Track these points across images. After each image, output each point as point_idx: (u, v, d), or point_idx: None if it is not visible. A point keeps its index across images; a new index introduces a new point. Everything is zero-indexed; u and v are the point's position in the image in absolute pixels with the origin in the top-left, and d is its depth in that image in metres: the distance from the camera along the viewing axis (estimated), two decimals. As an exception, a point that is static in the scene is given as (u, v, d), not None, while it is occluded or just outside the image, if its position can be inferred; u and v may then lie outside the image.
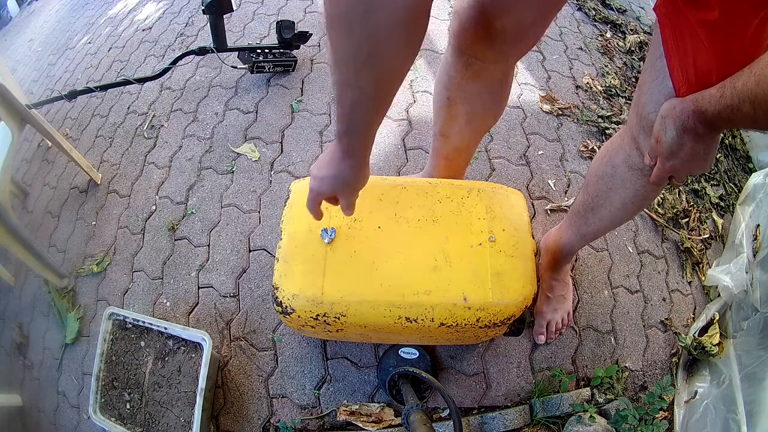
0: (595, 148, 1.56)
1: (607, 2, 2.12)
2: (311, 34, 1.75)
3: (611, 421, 1.07)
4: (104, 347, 1.18)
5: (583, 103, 1.69)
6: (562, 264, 1.18)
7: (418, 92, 1.70)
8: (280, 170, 1.52)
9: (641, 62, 1.86)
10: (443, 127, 1.04)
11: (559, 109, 1.65)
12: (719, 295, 1.29)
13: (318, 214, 0.80)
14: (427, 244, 0.90)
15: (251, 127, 1.64)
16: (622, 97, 1.73)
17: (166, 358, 1.17)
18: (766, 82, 0.49)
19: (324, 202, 0.79)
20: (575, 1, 2.08)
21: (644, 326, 1.26)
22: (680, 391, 1.16)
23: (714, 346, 1.15)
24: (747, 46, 0.56)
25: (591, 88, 1.74)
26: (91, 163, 1.65)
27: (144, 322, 1.18)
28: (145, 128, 1.74)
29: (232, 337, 1.25)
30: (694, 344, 1.17)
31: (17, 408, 1.37)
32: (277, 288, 0.87)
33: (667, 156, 0.65)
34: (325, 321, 0.87)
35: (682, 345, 1.20)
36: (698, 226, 1.43)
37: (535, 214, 1.41)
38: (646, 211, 1.43)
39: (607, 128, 1.61)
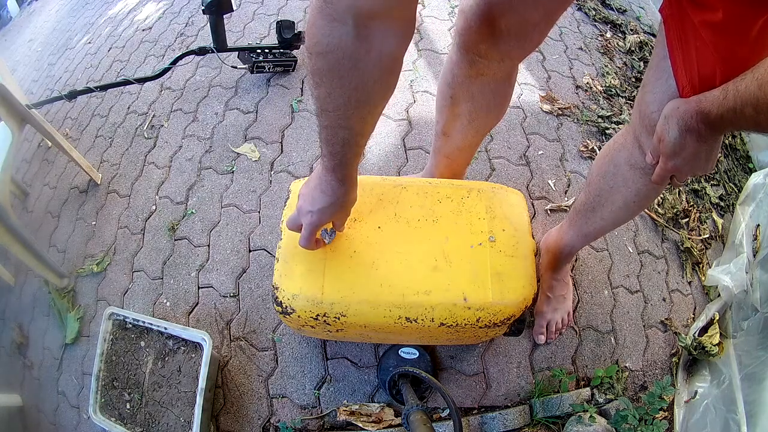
0: (595, 148, 1.56)
1: (607, 2, 2.12)
2: (311, 34, 1.75)
3: (611, 421, 1.07)
4: (104, 347, 1.18)
5: (583, 103, 1.69)
6: (562, 264, 1.18)
7: (418, 92, 1.70)
8: (280, 170, 1.52)
9: (641, 62, 1.86)
10: (445, 126, 1.04)
11: (559, 109, 1.65)
12: (719, 295, 1.29)
13: (315, 246, 0.83)
14: (427, 244, 0.90)
15: (251, 127, 1.64)
16: (622, 97, 1.73)
17: (166, 358, 1.17)
18: None
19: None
20: (575, 1, 2.08)
21: (644, 326, 1.26)
22: (680, 391, 1.16)
23: (714, 346, 1.15)
24: (751, 47, 0.56)
25: (591, 88, 1.74)
26: (91, 163, 1.65)
27: (144, 322, 1.18)
28: (145, 128, 1.74)
29: (232, 337, 1.25)
30: (694, 344, 1.17)
31: (17, 408, 1.37)
32: (277, 288, 0.87)
33: (670, 156, 0.65)
34: (325, 321, 0.87)
35: (682, 345, 1.20)
36: (698, 226, 1.43)
37: (535, 214, 1.41)
38: (646, 211, 1.43)
39: (607, 128, 1.61)
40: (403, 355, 1.13)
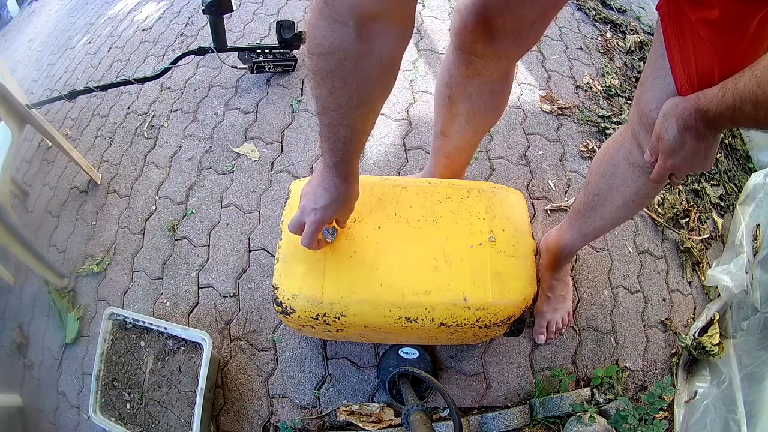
0: (595, 148, 1.56)
1: (607, 2, 2.12)
2: (311, 34, 1.75)
3: (611, 421, 1.07)
4: (104, 347, 1.18)
5: (583, 103, 1.69)
6: (562, 264, 1.18)
7: (418, 92, 1.70)
8: (280, 170, 1.52)
9: (641, 62, 1.86)
10: (444, 126, 1.04)
11: (559, 109, 1.65)
12: (719, 295, 1.29)
13: (318, 246, 0.83)
14: (427, 244, 0.90)
15: (251, 127, 1.64)
16: (622, 97, 1.73)
17: (166, 358, 1.17)
18: (767, 83, 0.49)
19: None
20: (575, 1, 2.08)
21: (644, 326, 1.26)
22: (680, 391, 1.16)
23: (714, 346, 1.15)
24: (748, 45, 0.56)
25: (591, 88, 1.74)
26: (91, 163, 1.65)
27: (144, 322, 1.18)
28: (145, 128, 1.74)
29: (232, 337, 1.25)
30: (694, 344, 1.17)
31: (17, 408, 1.37)
32: (277, 288, 0.87)
33: (669, 154, 0.65)
34: (325, 321, 0.87)
35: (682, 345, 1.20)
36: (698, 226, 1.43)
37: (535, 214, 1.41)
38: (646, 211, 1.43)
39: (607, 128, 1.61)
40: (403, 355, 1.13)
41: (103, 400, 1.15)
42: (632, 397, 1.17)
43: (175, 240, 1.43)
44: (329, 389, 1.17)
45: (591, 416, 1.07)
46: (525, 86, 1.72)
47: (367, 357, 1.19)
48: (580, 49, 1.88)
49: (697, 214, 1.45)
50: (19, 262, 1.55)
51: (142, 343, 1.19)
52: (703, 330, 1.21)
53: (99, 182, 1.65)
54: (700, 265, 1.37)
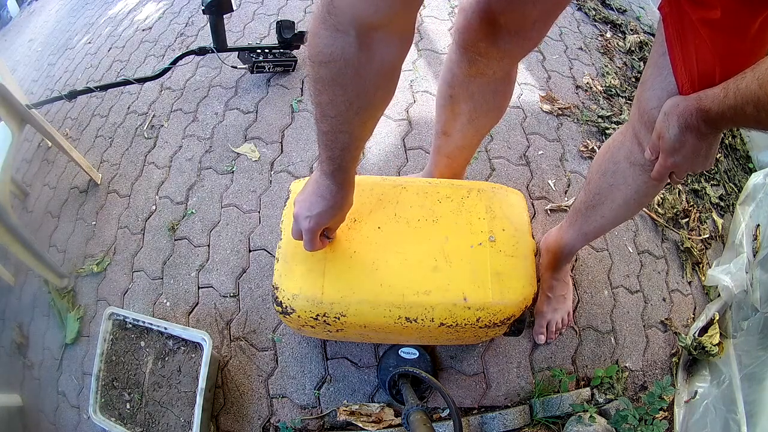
0: (595, 148, 1.56)
1: (607, 2, 2.12)
2: (311, 34, 1.75)
3: (611, 421, 1.07)
4: (104, 347, 1.18)
5: (583, 103, 1.69)
6: (562, 264, 1.18)
7: (418, 92, 1.70)
8: (280, 170, 1.52)
9: (641, 62, 1.86)
10: (445, 126, 1.04)
11: (559, 109, 1.65)
12: (719, 295, 1.29)
13: (321, 246, 0.84)
14: (427, 244, 0.90)
15: (251, 127, 1.64)
16: (622, 97, 1.73)
17: (166, 358, 1.17)
18: None
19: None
20: (575, 1, 2.08)
21: (644, 326, 1.26)
22: (680, 391, 1.16)
23: (714, 346, 1.15)
24: (749, 46, 0.56)
25: (591, 88, 1.74)
26: (91, 163, 1.65)
27: (144, 322, 1.18)
28: (145, 128, 1.74)
29: (232, 337, 1.25)
30: (694, 344, 1.17)
31: (17, 408, 1.37)
32: (277, 288, 0.87)
33: (669, 152, 0.65)
34: (325, 321, 0.87)
35: (682, 345, 1.20)
36: (698, 226, 1.43)
37: (535, 214, 1.41)
38: (646, 211, 1.43)
39: (607, 128, 1.61)
40: (403, 355, 1.13)
41: (103, 400, 1.15)
42: (632, 397, 1.17)
43: (175, 240, 1.43)
44: (329, 389, 1.17)
45: (591, 416, 1.07)
46: (525, 86, 1.72)
47: (367, 357, 1.19)
48: (580, 49, 1.88)
49: (697, 214, 1.45)
50: (19, 262, 1.55)
51: (142, 343, 1.19)
52: (703, 330, 1.21)
53: (99, 182, 1.65)
54: (700, 265, 1.37)
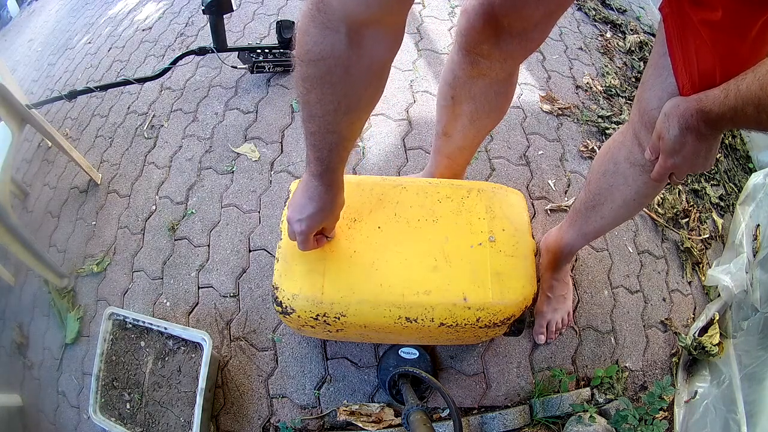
0: (595, 148, 1.56)
1: (607, 2, 2.12)
2: (311, 34, 1.75)
3: (611, 421, 1.07)
4: (104, 347, 1.18)
5: (583, 103, 1.69)
6: (562, 264, 1.18)
7: (418, 92, 1.70)
8: (280, 170, 1.52)
9: (641, 62, 1.86)
10: (446, 126, 1.04)
11: (559, 109, 1.65)
12: (719, 295, 1.29)
13: (316, 246, 0.84)
14: (427, 244, 0.90)
15: (251, 127, 1.64)
16: (622, 97, 1.73)
17: (166, 358, 1.17)
18: None
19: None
20: (575, 1, 2.08)
21: (644, 326, 1.26)
22: (680, 391, 1.16)
23: (714, 346, 1.15)
24: (750, 47, 0.56)
25: (591, 88, 1.74)
26: (91, 163, 1.65)
27: (144, 322, 1.18)
28: (145, 128, 1.74)
29: (232, 337, 1.25)
30: (694, 344, 1.17)
31: (17, 408, 1.37)
32: (277, 288, 0.87)
33: (670, 153, 0.65)
34: (325, 321, 0.87)
35: (682, 345, 1.20)
36: (698, 226, 1.43)
37: (535, 214, 1.41)
38: (646, 211, 1.43)
39: (607, 128, 1.61)
40: (403, 355, 1.13)
41: (103, 400, 1.15)
42: (632, 397, 1.17)
43: (175, 240, 1.43)
44: (329, 389, 1.17)
45: (591, 416, 1.07)
46: (525, 86, 1.72)
47: (367, 357, 1.19)
48: (580, 49, 1.88)
49: (697, 214, 1.45)
50: (19, 262, 1.55)
51: (142, 343, 1.19)
52: (703, 330, 1.21)
53: (99, 182, 1.65)
54: (700, 265, 1.37)
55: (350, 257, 0.88)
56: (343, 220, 0.92)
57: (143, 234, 1.48)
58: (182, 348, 1.17)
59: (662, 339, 1.26)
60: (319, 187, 0.72)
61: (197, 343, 1.14)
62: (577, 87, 1.74)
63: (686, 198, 1.48)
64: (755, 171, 1.54)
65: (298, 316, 0.87)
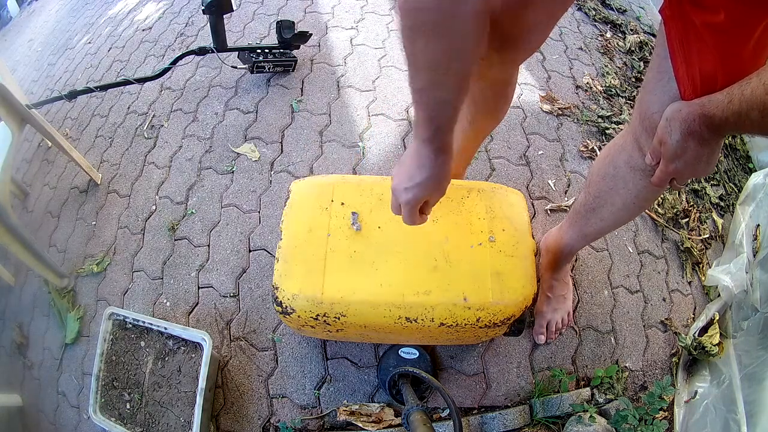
0: (595, 148, 1.56)
1: (607, 2, 2.12)
2: (311, 34, 1.75)
3: (611, 421, 1.07)
4: (104, 347, 1.18)
5: (583, 103, 1.69)
6: (562, 264, 1.18)
7: (418, 92, 1.70)
8: (280, 170, 1.52)
9: (641, 62, 1.86)
10: None
11: (559, 109, 1.65)
12: (719, 295, 1.29)
13: (424, 220, 0.78)
14: (427, 244, 0.90)
15: (251, 127, 1.64)
16: (622, 97, 1.73)
17: (166, 358, 1.17)
18: None
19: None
20: (575, 1, 2.08)
21: (644, 326, 1.26)
22: (680, 391, 1.16)
23: (714, 346, 1.15)
24: (752, 51, 0.56)
25: (591, 88, 1.74)
26: (91, 163, 1.65)
27: (144, 322, 1.18)
28: (145, 128, 1.74)
29: (232, 337, 1.25)
30: (694, 344, 1.17)
31: (17, 408, 1.37)
32: (277, 288, 0.87)
33: (671, 158, 0.65)
34: (325, 321, 0.87)
35: (682, 345, 1.20)
36: (698, 226, 1.43)
37: (535, 214, 1.41)
38: (646, 211, 1.43)
39: (607, 128, 1.61)
40: (403, 355, 1.13)
41: (103, 400, 1.15)
42: (632, 397, 1.17)
43: (175, 240, 1.43)
44: (329, 389, 1.17)
45: (591, 416, 1.07)
46: (525, 86, 1.72)
47: (367, 357, 1.19)
48: (580, 49, 1.88)
49: (697, 214, 1.45)
50: (19, 262, 1.55)
51: (142, 343, 1.19)
52: (703, 330, 1.21)
53: (99, 182, 1.65)
54: (700, 265, 1.37)
55: (350, 257, 0.88)
56: (343, 219, 0.93)
57: (143, 234, 1.48)
58: (182, 348, 1.17)
59: (662, 339, 1.26)
60: (429, 154, 0.68)
61: (197, 343, 1.14)
62: (577, 87, 1.74)
63: (686, 198, 1.48)
64: (755, 171, 1.54)
65: (298, 316, 0.87)
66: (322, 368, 1.19)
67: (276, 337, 1.24)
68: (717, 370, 1.12)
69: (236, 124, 1.66)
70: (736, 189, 1.54)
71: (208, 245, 1.40)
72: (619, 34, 1.99)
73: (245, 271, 1.34)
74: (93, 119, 1.88)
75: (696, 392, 1.13)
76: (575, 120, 1.64)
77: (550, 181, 1.48)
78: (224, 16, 1.56)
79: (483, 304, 0.85)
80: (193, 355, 1.15)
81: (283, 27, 1.68)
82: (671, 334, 1.26)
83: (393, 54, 1.83)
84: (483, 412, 1.13)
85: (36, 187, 1.80)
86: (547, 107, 1.65)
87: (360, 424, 1.10)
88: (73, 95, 1.56)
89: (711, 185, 1.53)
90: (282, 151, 1.57)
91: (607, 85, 1.75)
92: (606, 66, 1.82)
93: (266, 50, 1.71)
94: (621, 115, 1.65)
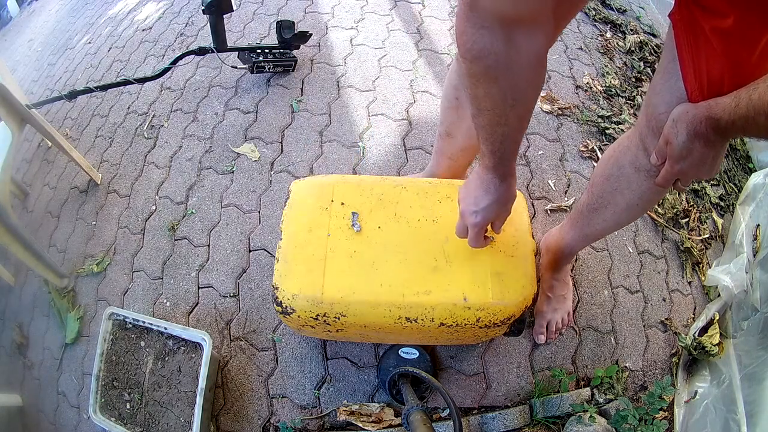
0: (595, 148, 1.56)
1: (607, 2, 2.12)
2: (311, 34, 1.75)
3: (611, 421, 1.07)
4: (104, 347, 1.18)
5: (583, 103, 1.69)
6: (562, 264, 1.18)
7: (418, 92, 1.70)
8: (280, 170, 1.52)
9: (641, 62, 1.86)
10: (450, 128, 1.04)
11: (559, 109, 1.65)
12: (719, 295, 1.29)
13: (485, 244, 0.84)
14: (427, 244, 0.90)
15: (251, 127, 1.64)
16: (622, 97, 1.73)
17: (166, 358, 1.17)
18: None
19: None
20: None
21: (644, 326, 1.26)
22: (680, 391, 1.16)
23: (714, 346, 1.15)
24: (759, 56, 0.56)
25: (591, 88, 1.74)
26: (91, 163, 1.65)
27: (144, 322, 1.18)
28: (145, 128, 1.74)
29: (232, 337, 1.25)
30: (694, 344, 1.17)
31: (17, 408, 1.37)
32: (277, 288, 0.87)
33: (676, 159, 0.65)
34: (325, 321, 0.87)
35: (682, 345, 1.20)
36: (698, 226, 1.43)
37: (535, 214, 1.41)
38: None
39: (607, 128, 1.61)
40: (403, 355, 1.13)
41: (103, 400, 1.15)
42: (632, 397, 1.17)
43: (175, 240, 1.43)
44: (329, 389, 1.17)
45: (591, 416, 1.07)
46: (525, 86, 1.72)
47: (367, 357, 1.19)
48: (580, 49, 1.88)
49: (697, 214, 1.45)
50: (19, 262, 1.55)
51: (142, 343, 1.19)
52: (703, 330, 1.21)
53: (99, 182, 1.65)
54: (700, 265, 1.37)
55: (350, 257, 0.88)
56: (343, 219, 0.93)
57: (143, 234, 1.48)
58: (182, 348, 1.17)
59: (662, 339, 1.26)
60: (494, 180, 0.73)
61: (197, 343, 1.14)
62: (577, 87, 1.74)
63: (686, 198, 1.48)
64: (755, 171, 1.54)
65: (298, 316, 0.87)
66: (322, 368, 1.19)
67: (276, 337, 1.24)
68: (717, 370, 1.12)
69: (236, 124, 1.66)
70: (736, 189, 1.54)
71: (208, 245, 1.40)
72: (619, 34, 1.99)
73: (245, 271, 1.34)
74: (93, 119, 1.88)
75: (696, 392, 1.13)
76: (575, 120, 1.64)
77: (550, 181, 1.48)
78: (224, 16, 1.56)
79: (483, 304, 0.85)
80: (193, 355, 1.15)
81: (283, 27, 1.68)
82: (671, 334, 1.26)
83: (393, 54, 1.83)
84: (483, 412, 1.13)
85: (36, 187, 1.80)
86: (547, 107, 1.65)
87: (360, 424, 1.10)
88: (73, 95, 1.56)
89: (711, 185, 1.53)
90: (282, 151, 1.57)
91: (607, 85, 1.75)
92: (606, 66, 1.82)
93: (266, 50, 1.71)
94: (621, 115, 1.65)
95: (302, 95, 1.71)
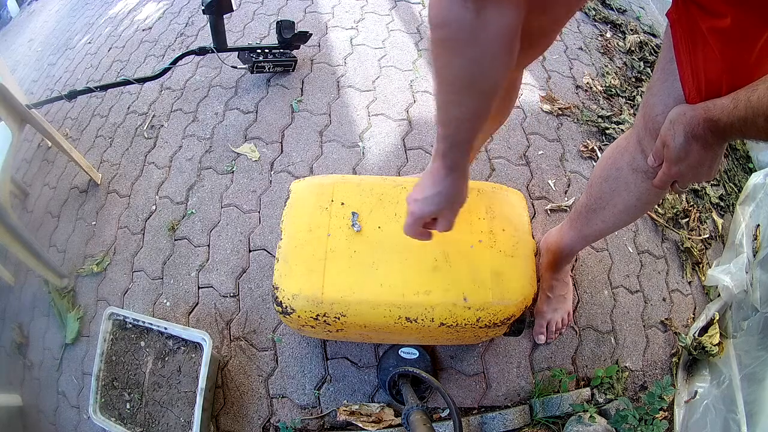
0: (595, 148, 1.56)
1: (607, 2, 2.12)
2: (311, 34, 1.75)
3: (611, 421, 1.07)
4: (104, 347, 1.18)
5: (583, 103, 1.69)
6: (562, 264, 1.18)
7: (418, 92, 1.70)
8: (280, 170, 1.52)
9: (641, 62, 1.86)
10: None
11: (559, 109, 1.65)
12: (719, 295, 1.29)
13: (425, 236, 0.78)
14: (427, 244, 0.90)
15: (251, 127, 1.64)
16: (622, 97, 1.73)
17: (166, 358, 1.17)
18: None
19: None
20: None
21: (644, 326, 1.26)
22: (680, 391, 1.16)
23: (714, 346, 1.15)
24: (757, 57, 0.56)
25: (591, 88, 1.74)
26: (91, 163, 1.65)
27: (144, 322, 1.18)
28: (145, 128, 1.74)
29: (232, 337, 1.25)
30: (694, 344, 1.17)
31: (17, 408, 1.37)
32: (277, 288, 0.87)
33: (674, 161, 0.65)
34: (325, 321, 0.87)
35: (682, 345, 1.20)
36: (698, 226, 1.43)
37: (535, 214, 1.41)
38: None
39: (607, 128, 1.61)
40: (403, 355, 1.13)
41: (103, 400, 1.15)
42: (632, 397, 1.17)
43: (175, 240, 1.43)
44: (329, 389, 1.17)
45: (591, 416, 1.07)
46: (525, 86, 1.72)
47: (367, 357, 1.19)
48: (580, 49, 1.88)
49: (697, 214, 1.45)
50: (19, 262, 1.55)
51: (142, 343, 1.19)
52: (703, 330, 1.21)
53: (99, 182, 1.65)
54: (700, 265, 1.37)
55: (350, 257, 0.88)
56: (343, 219, 0.93)
57: (143, 234, 1.48)
58: (182, 348, 1.17)
59: (662, 339, 1.26)
60: (441, 170, 0.68)
61: (197, 343, 1.14)
62: (577, 87, 1.74)
63: (686, 198, 1.48)
64: (755, 171, 1.54)
65: (298, 316, 0.87)
66: (322, 368, 1.19)
67: (276, 337, 1.24)
68: (717, 370, 1.12)
69: (236, 124, 1.66)
70: (736, 189, 1.54)
71: (208, 245, 1.40)
72: (619, 34, 1.99)
73: (245, 271, 1.34)
74: (93, 119, 1.88)
75: (696, 392, 1.13)
76: (575, 120, 1.64)
77: (550, 181, 1.48)
78: (224, 16, 1.56)
79: (483, 304, 0.85)
80: (193, 355, 1.15)
81: (283, 27, 1.68)
82: (671, 334, 1.26)
83: (393, 54, 1.83)
84: (483, 412, 1.13)
85: (36, 187, 1.80)
86: (547, 107, 1.65)
87: (360, 424, 1.10)
88: (73, 95, 1.56)
89: (711, 185, 1.53)
90: (282, 151, 1.57)
91: (607, 85, 1.75)
92: (606, 66, 1.82)
93: (266, 50, 1.71)
94: (621, 115, 1.65)
95: (302, 95, 1.71)
